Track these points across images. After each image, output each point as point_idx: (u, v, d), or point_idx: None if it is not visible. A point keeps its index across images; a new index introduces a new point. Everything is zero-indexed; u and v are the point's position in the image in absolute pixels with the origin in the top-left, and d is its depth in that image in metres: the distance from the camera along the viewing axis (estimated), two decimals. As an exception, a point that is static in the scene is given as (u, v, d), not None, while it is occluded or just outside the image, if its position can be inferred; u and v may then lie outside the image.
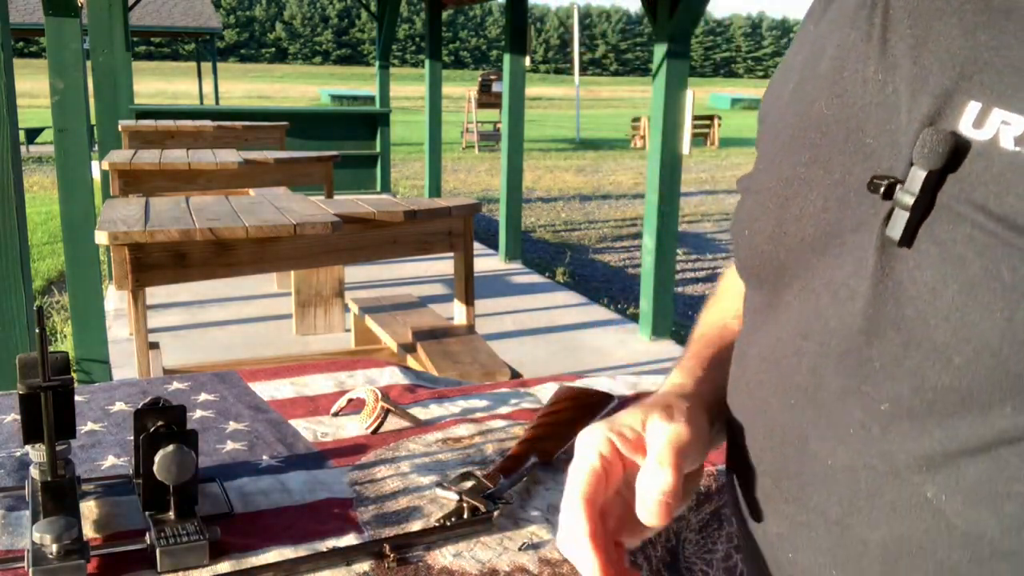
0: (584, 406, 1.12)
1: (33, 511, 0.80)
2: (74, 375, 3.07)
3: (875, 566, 0.50)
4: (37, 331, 0.73)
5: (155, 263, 2.69)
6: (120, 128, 5.70)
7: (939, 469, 0.47)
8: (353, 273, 5.57)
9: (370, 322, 3.78)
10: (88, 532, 0.83)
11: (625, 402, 1.19)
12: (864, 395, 0.50)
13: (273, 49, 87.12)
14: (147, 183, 4.46)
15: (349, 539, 0.84)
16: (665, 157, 4.77)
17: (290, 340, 4.71)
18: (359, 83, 45.08)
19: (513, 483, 0.93)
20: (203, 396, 1.19)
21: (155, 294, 4.98)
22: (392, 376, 1.31)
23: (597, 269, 7.79)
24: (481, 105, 18.54)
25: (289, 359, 3.76)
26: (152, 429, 0.82)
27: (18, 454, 0.99)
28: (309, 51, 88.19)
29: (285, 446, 1.05)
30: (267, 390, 1.23)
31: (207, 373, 1.29)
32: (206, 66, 24.57)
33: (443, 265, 5.58)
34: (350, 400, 1.16)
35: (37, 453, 0.80)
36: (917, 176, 0.46)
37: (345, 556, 0.80)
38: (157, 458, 0.80)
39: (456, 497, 0.89)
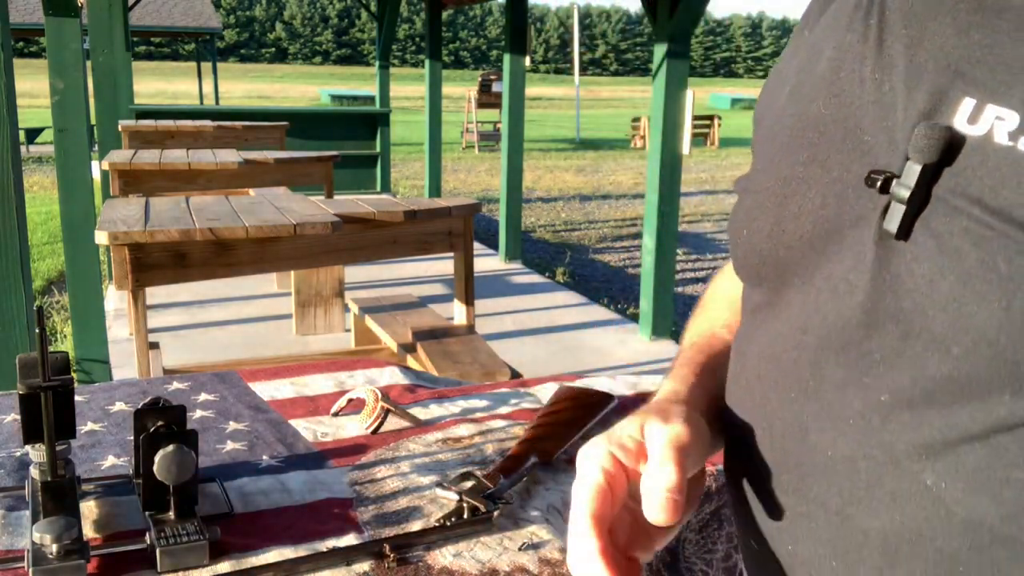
0: (584, 406, 1.12)
1: (33, 511, 0.80)
2: (74, 375, 3.07)
3: (875, 555, 0.51)
4: (37, 331, 0.73)
5: (155, 263, 2.69)
6: (120, 128, 5.70)
7: (938, 457, 0.48)
8: (353, 273, 5.57)
9: (370, 322, 3.78)
10: (88, 532, 0.83)
11: (625, 402, 1.19)
12: (864, 386, 0.51)
13: (273, 49, 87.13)
14: (147, 183, 4.46)
15: (349, 539, 0.84)
16: (665, 157, 4.77)
17: (290, 340, 4.71)
18: (359, 83, 45.08)
19: (513, 483, 0.93)
20: (203, 396, 1.19)
21: (155, 294, 4.98)
22: (392, 376, 1.31)
23: (597, 269, 7.79)
24: (481, 105, 18.55)
25: (289, 359, 3.77)
26: (152, 429, 0.82)
27: (18, 454, 0.99)
28: (309, 51, 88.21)
29: (285, 446, 1.05)
30: (267, 390, 1.23)
31: (207, 373, 1.29)
32: (206, 66, 24.57)
33: (443, 265, 5.58)
34: (350, 400, 1.16)
35: (37, 453, 0.80)
36: (912, 170, 0.47)
37: (345, 556, 0.80)
38: (157, 458, 0.80)
39: (456, 497, 0.89)
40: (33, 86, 18.89)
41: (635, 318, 5.34)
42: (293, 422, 1.12)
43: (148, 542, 0.79)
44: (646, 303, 5.01)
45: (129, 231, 2.61)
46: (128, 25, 7.71)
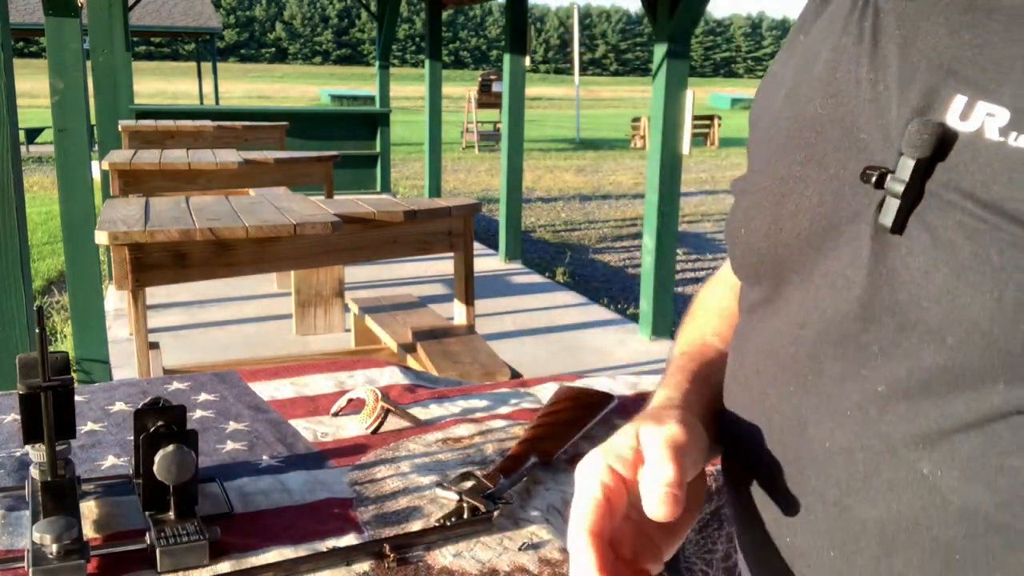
0: (584, 406, 1.12)
1: (33, 511, 0.80)
2: (74, 375, 3.07)
3: (872, 545, 0.51)
4: (37, 331, 0.73)
5: (155, 263, 2.69)
6: (120, 128, 5.70)
7: (934, 446, 0.49)
8: (353, 273, 5.57)
9: (370, 322, 3.78)
10: (88, 532, 0.83)
11: (625, 402, 1.19)
12: (862, 378, 0.52)
13: (273, 49, 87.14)
14: (147, 183, 4.46)
15: (349, 539, 0.84)
16: (665, 157, 4.77)
17: (290, 340, 4.71)
18: (359, 83, 45.08)
19: (513, 483, 0.93)
20: (203, 396, 1.19)
21: (155, 294, 4.98)
22: (392, 376, 1.31)
23: (597, 269, 7.79)
24: (481, 105, 18.55)
25: (289, 359, 3.76)
26: (152, 429, 0.82)
27: (18, 454, 0.99)
28: (309, 51, 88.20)
29: (285, 446, 1.05)
30: (267, 390, 1.23)
31: (207, 373, 1.29)
32: (206, 66, 24.57)
33: (443, 265, 5.58)
34: (350, 400, 1.16)
35: (37, 453, 0.80)
36: (906, 165, 0.49)
37: (345, 556, 0.80)
38: (157, 458, 0.80)
39: (456, 497, 0.89)
40: (33, 86, 18.89)
41: (635, 318, 5.34)
42: (293, 422, 1.12)
43: (148, 542, 0.79)
44: (646, 303, 5.01)
45: (129, 231, 2.61)
46: (128, 25, 7.71)
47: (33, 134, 15.44)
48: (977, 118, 0.47)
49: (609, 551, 0.54)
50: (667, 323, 4.98)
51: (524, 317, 5.38)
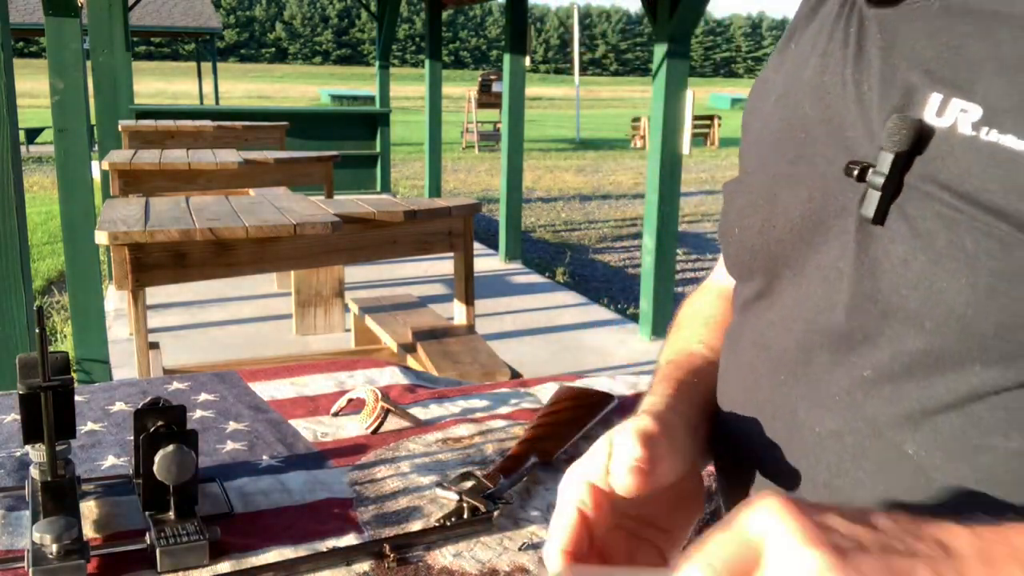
0: (584, 406, 1.12)
1: (33, 511, 0.80)
2: (74, 375, 3.07)
3: None
4: (37, 331, 0.73)
5: (155, 263, 2.69)
6: (120, 128, 5.71)
7: (918, 427, 0.51)
8: (353, 273, 5.57)
9: (370, 322, 3.78)
10: (88, 532, 0.83)
11: (625, 402, 1.19)
12: (849, 364, 0.55)
13: (273, 49, 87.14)
14: (147, 183, 4.46)
15: (349, 539, 0.84)
16: (665, 157, 4.77)
17: (290, 340, 4.71)
18: (359, 83, 45.08)
19: (513, 483, 0.93)
20: (203, 396, 1.19)
21: (155, 294, 4.98)
22: (392, 376, 1.31)
23: (597, 269, 7.79)
24: (481, 105, 18.54)
25: (289, 359, 3.76)
26: (152, 429, 0.82)
27: (18, 454, 0.99)
28: (309, 51, 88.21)
29: (285, 446, 1.05)
30: (267, 390, 1.23)
31: (207, 373, 1.29)
32: (206, 66, 24.57)
33: (443, 265, 5.58)
34: (350, 400, 1.16)
35: (37, 453, 0.80)
36: (885, 159, 0.52)
37: (345, 556, 0.80)
38: (157, 458, 0.80)
39: (456, 497, 0.89)
40: (33, 86, 18.88)
41: (635, 318, 5.34)
42: (293, 422, 1.12)
43: (148, 542, 0.79)
44: (646, 303, 5.01)
45: (129, 231, 2.61)
46: (128, 25, 7.71)
47: (33, 134, 15.44)
48: (951, 114, 0.50)
49: (590, 566, 0.54)
50: (667, 323, 4.92)
51: (524, 317, 5.38)
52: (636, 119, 20.98)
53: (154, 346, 2.93)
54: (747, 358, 0.64)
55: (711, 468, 1.05)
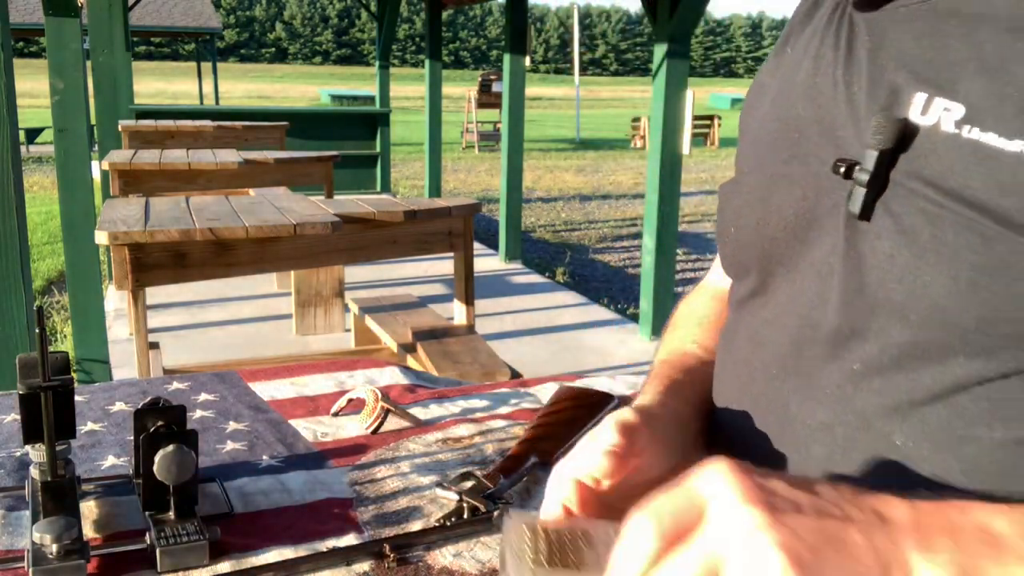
0: (584, 406, 1.12)
1: (33, 511, 0.80)
2: (74, 375, 3.07)
3: None
4: (37, 331, 0.73)
5: (155, 263, 2.69)
6: (120, 128, 5.70)
7: (905, 418, 0.52)
8: (353, 273, 5.57)
9: (370, 322, 3.78)
10: (88, 532, 0.83)
11: (625, 402, 1.19)
12: (840, 359, 0.56)
13: (273, 49, 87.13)
14: (147, 183, 4.46)
15: (349, 539, 0.84)
16: (665, 157, 4.77)
17: (290, 340, 4.71)
18: (359, 83, 45.08)
19: (513, 483, 0.93)
20: (203, 396, 1.19)
21: (155, 294, 4.98)
22: (392, 376, 1.31)
23: (597, 269, 7.79)
24: (481, 105, 18.54)
25: (289, 359, 3.76)
26: (152, 429, 0.82)
27: (18, 454, 0.99)
28: (309, 51, 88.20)
29: (285, 446, 1.05)
30: (267, 390, 1.23)
31: (207, 373, 1.29)
32: (206, 66, 24.57)
33: (443, 265, 5.58)
34: (350, 400, 1.16)
35: (37, 453, 0.80)
36: (870, 156, 0.53)
37: (345, 556, 0.80)
38: (157, 458, 0.80)
39: (456, 497, 0.89)
40: (33, 86, 18.88)
41: (635, 318, 5.34)
42: (293, 422, 1.12)
43: (148, 542, 0.79)
44: (646, 303, 5.01)
45: (129, 231, 2.61)
46: (128, 25, 7.71)
47: (33, 134, 15.43)
48: (935, 113, 0.51)
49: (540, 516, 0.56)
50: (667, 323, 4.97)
51: (524, 317, 5.38)
52: (636, 119, 20.98)
53: (154, 346, 2.93)
54: (742, 354, 0.65)
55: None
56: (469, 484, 0.90)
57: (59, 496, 0.79)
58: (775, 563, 0.38)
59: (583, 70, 64.71)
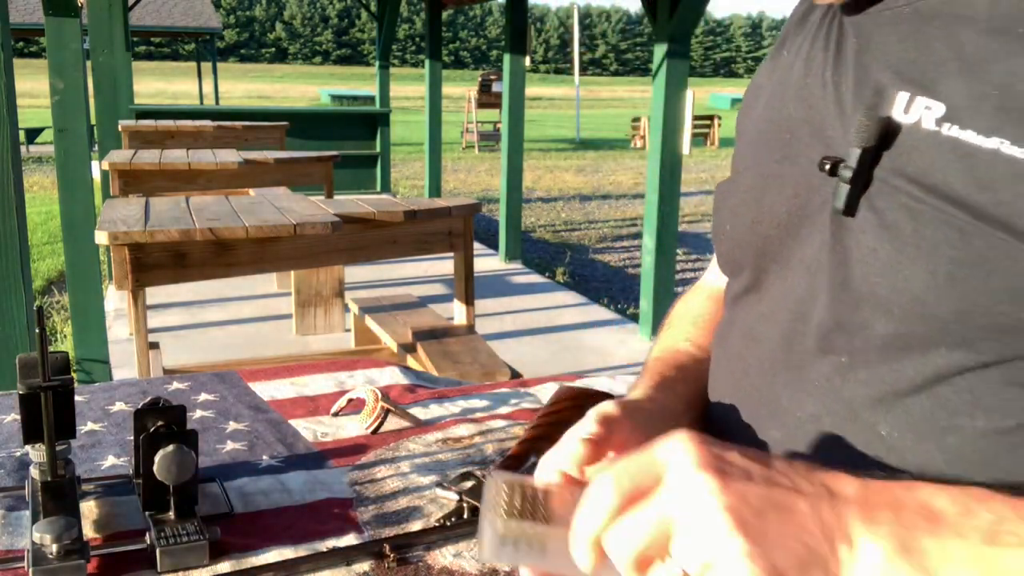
0: (584, 406, 1.11)
1: (33, 511, 0.80)
2: (74, 375, 3.07)
3: None
4: (37, 331, 0.73)
5: (155, 263, 2.69)
6: (120, 128, 5.70)
7: (890, 409, 0.54)
8: (353, 273, 5.57)
9: (370, 322, 3.78)
10: (88, 532, 0.83)
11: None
12: (829, 352, 0.58)
13: (273, 49, 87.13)
14: (147, 183, 4.46)
15: (349, 539, 0.84)
16: (665, 157, 4.77)
17: (290, 340, 4.71)
18: (359, 83, 45.09)
19: (513, 483, 0.93)
20: (203, 396, 1.19)
21: (155, 294, 4.98)
22: (392, 376, 1.31)
23: (597, 269, 7.79)
24: (481, 105, 18.53)
25: (289, 359, 3.76)
26: (152, 429, 0.82)
27: (18, 454, 0.99)
28: (309, 51, 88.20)
29: (285, 446, 1.05)
30: (267, 390, 1.23)
31: (207, 373, 1.29)
32: (206, 66, 24.57)
33: (443, 265, 5.58)
34: (350, 400, 1.16)
35: (37, 453, 0.80)
36: (853, 154, 0.55)
37: (345, 556, 0.80)
38: (157, 458, 0.80)
39: (456, 497, 0.89)
40: (33, 86, 18.89)
41: (635, 318, 5.34)
42: (293, 422, 1.12)
43: (148, 542, 0.79)
44: (646, 303, 5.01)
45: (129, 231, 2.61)
46: (128, 25, 7.71)
47: (33, 134, 15.43)
48: (917, 111, 0.53)
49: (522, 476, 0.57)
50: (667, 323, 4.97)
51: (524, 317, 5.38)
52: (636, 119, 20.97)
53: (154, 346, 2.93)
54: (736, 350, 0.67)
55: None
56: (469, 484, 0.90)
57: (59, 496, 0.79)
58: (720, 524, 0.42)
59: (583, 70, 64.71)
